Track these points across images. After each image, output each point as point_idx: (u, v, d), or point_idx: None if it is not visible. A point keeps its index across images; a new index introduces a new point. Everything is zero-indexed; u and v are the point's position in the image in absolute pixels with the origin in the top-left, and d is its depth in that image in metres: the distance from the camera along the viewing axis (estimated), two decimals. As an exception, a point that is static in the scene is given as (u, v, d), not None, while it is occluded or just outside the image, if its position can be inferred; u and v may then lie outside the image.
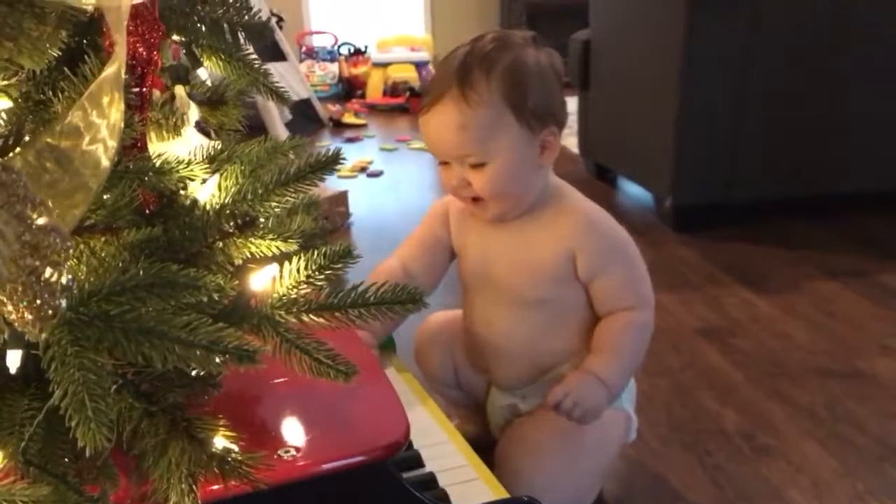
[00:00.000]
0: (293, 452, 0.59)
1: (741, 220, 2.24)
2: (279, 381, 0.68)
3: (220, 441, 0.51)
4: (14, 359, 0.44)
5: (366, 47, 5.20)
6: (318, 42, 5.33)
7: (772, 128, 2.12)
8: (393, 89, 4.80)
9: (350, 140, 3.79)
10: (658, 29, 2.15)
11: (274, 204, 0.52)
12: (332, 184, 2.47)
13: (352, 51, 5.20)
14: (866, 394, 1.33)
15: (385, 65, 4.94)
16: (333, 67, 5.11)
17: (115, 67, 0.42)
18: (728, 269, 1.92)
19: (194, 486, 0.56)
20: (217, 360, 0.41)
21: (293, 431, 0.62)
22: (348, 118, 4.21)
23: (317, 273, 0.52)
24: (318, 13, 5.62)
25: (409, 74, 4.85)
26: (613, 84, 2.52)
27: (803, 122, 2.12)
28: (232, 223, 0.48)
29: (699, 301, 1.75)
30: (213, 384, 0.57)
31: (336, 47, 5.24)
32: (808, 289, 1.79)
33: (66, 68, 0.60)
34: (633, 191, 2.64)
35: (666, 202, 2.21)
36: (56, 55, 0.58)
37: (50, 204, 0.35)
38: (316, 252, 0.52)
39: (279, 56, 3.94)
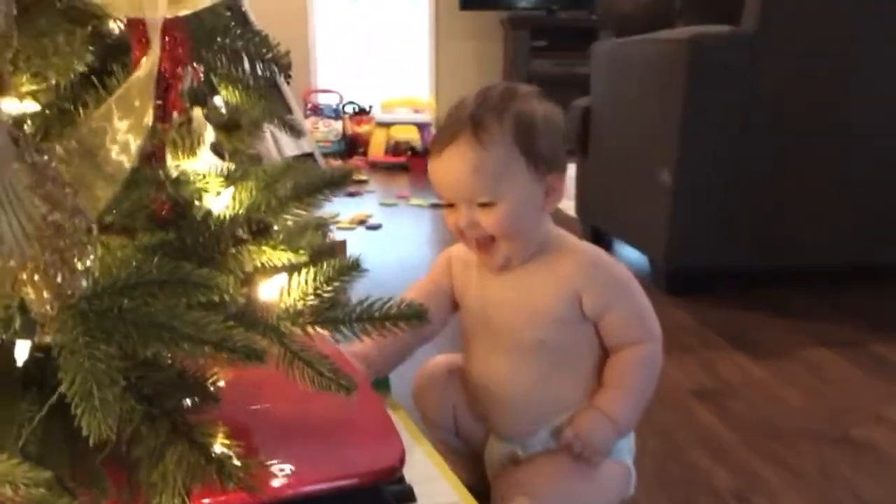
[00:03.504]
0: (288, 471, 0.59)
1: (734, 286, 2.26)
2: (274, 402, 0.69)
3: (219, 448, 0.51)
4: (22, 350, 0.44)
5: (370, 107, 5.29)
6: (323, 100, 5.42)
7: (765, 198, 2.15)
8: (395, 148, 4.87)
9: (351, 194, 3.82)
10: (657, 99, 2.20)
11: (287, 217, 0.53)
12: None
13: (356, 110, 5.28)
14: (860, 460, 1.33)
15: (388, 125, 5.02)
16: (337, 125, 5.18)
17: (146, 71, 0.44)
18: (721, 334, 1.93)
19: (187, 499, 0.55)
20: (225, 356, 0.42)
21: (288, 451, 0.62)
22: (349, 174, 4.25)
23: (325, 284, 0.53)
24: (325, 72, 5.73)
25: (412, 135, 4.93)
26: (612, 150, 2.57)
27: (796, 193, 2.15)
28: (246, 229, 0.50)
29: (693, 363, 1.75)
30: (212, 396, 0.57)
31: (341, 106, 5.33)
32: (800, 356, 1.79)
33: (94, 81, 0.62)
34: (628, 254, 2.66)
35: (661, 267, 2.23)
36: (82, 70, 0.60)
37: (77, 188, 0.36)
38: (325, 263, 0.53)
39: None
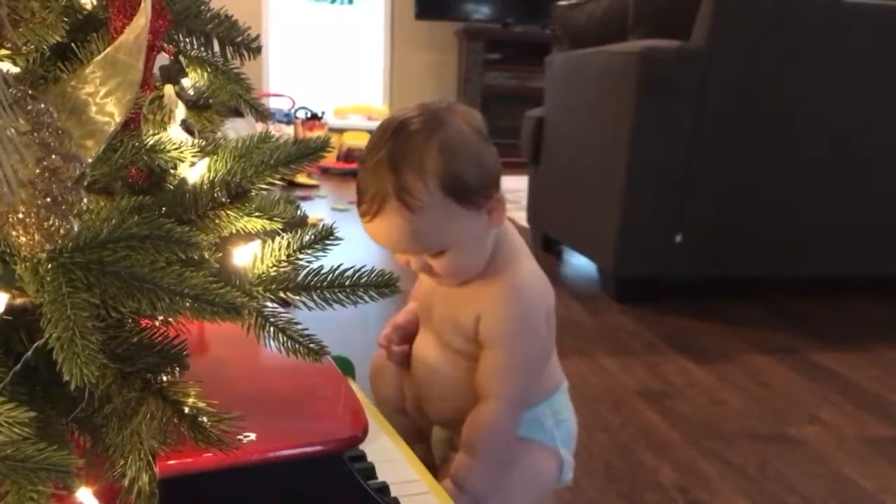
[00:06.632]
0: (252, 437, 0.60)
1: (680, 294, 2.33)
2: (238, 374, 0.69)
3: (192, 406, 0.52)
4: (-1, 303, 0.45)
5: (322, 113, 5.28)
6: (274, 104, 5.39)
7: (713, 210, 2.23)
8: (347, 155, 4.87)
9: (302, 198, 3.81)
10: (608, 110, 2.26)
11: (262, 187, 0.54)
12: (283, 235, 2.48)
13: (308, 115, 5.27)
14: (795, 457, 1.38)
15: (341, 131, 5.02)
16: (289, 130, 5.16)
17: (135, 34, 0.45)
18: (666, 339, 1.99)
19: (153, 462, 0.56)
20: (204, 310, 0.43)
21: (253, 419, 0.63)
22: (301, 178, 4.24)
23: (298, 252, 0.54)
24: (277, 76, 5.72)
25: (365, 142, 4.92)
26: (563, 160, 2.62)
27: (745, 205, 2.23)
28: (224, 192, 0.51)
29: (638, 366, 1.79)
30: (180, 363, 0.58)
31: (293, 111, 5.31)
32: (741, 361, 1.86)
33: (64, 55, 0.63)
34: (578, 262, 2.72)
35: (609, 275, 2.29)
36: (58, 40, 0.61)
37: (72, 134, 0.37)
38: (299, 231, 0.54)
39: (237, 113, 3.98)
